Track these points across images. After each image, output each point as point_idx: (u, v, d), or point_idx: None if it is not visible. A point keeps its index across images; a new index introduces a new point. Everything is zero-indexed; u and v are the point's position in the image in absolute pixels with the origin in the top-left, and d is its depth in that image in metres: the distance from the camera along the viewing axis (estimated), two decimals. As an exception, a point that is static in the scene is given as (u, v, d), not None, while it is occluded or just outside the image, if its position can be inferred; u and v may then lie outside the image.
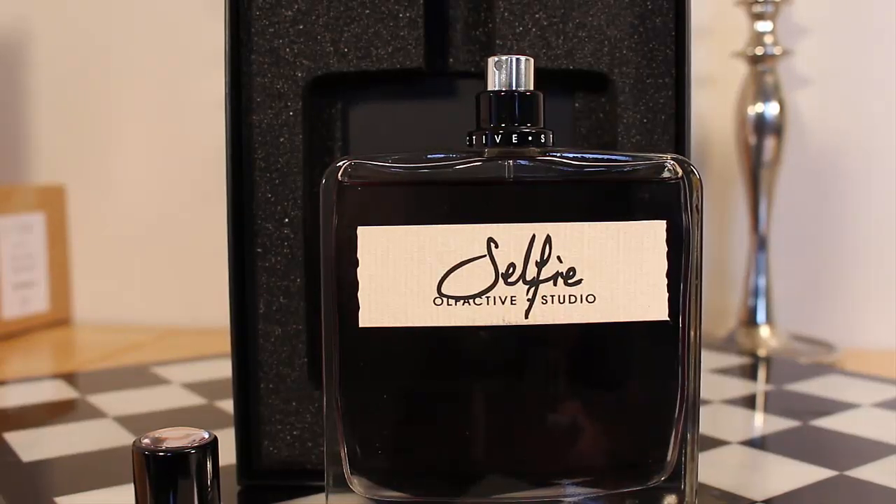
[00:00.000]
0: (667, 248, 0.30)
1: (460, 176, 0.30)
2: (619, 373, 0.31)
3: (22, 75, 0.83)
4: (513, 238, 0.29)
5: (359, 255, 0.29)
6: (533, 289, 0.29)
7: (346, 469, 0.30)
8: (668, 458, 0.31)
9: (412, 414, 0.31)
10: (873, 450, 0.41)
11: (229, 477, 0.36)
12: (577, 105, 0.38)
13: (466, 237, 0.29)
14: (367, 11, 0.36)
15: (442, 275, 0.29)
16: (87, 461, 0.40)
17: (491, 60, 0.31)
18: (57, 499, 0.36)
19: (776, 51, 0.65)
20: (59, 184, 0.82)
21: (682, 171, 0.30)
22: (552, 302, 0.30)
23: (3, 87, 0.84)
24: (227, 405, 0.49)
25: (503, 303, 0.29)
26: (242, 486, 0.37)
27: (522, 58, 0.31)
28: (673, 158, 0.30)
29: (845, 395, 0.51)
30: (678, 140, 0.36)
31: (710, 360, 0.59)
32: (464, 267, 0.29)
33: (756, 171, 0.66)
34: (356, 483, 0.30)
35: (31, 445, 0.42)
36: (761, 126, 0.65)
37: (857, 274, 0.71)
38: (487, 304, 0.29)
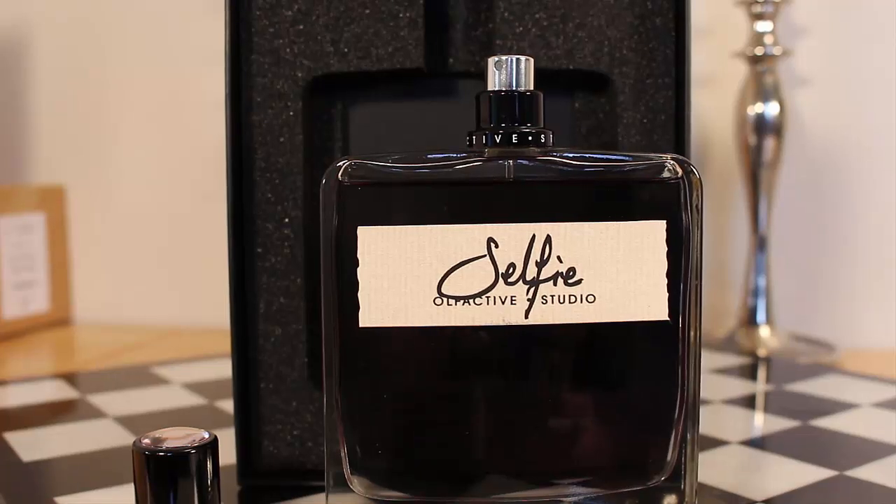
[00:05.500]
0: (667, 248, 0.30)
1: (460, 176, 0.30)
2: (619, 373, 0.31)
3: (22, 75, 0.83)
4: (513, 238, 0.29)
5: (359, 255, 0.29)
6: (533, 289, 0.29)
7: (346, 469, 0.30)
8: (668, 458, 0.31)
9: (412, 414, 0.31)
10: (873, 450, 0.41)
11: (229, 477, 0.36)
12: (577, 105, 0.38)
13: (466, 237, 0.29)
14: (367, 11, 0.36)
15: (442, 275, 0.29)
16: (87, 461, 0.40)
17: (491, 60, 0.31)
18: (57, 499, 0.36)
19: (776, 51, 0.65)
20: (59, 184, 0.82)
21: (682, 170, 0.30)
22: (552, 302, 0.30)
23: (3, 87, 0.84)
24: (227, 405, 0.49)
25: (503, 303, 0.29)
26: (242, 486, 0.37)
27: (522, 58, 0.31)
28: (673, 158, 0.30)
29: (845, 395, 0.51)
30: (678, 140, 0.36)
31: (710, 360, 0.59)
32: (464, 267, 0.29)
33: (756, 171, 0.66)
34: (356, 483, 0.30)
35: (31, 445, 0.42)
36: (761, 126, 0.65)
37: (857, 274, 0.71)
38: (487, 304, 0.29)
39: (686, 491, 0.31)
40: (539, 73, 0.32)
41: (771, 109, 0.65)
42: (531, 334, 0.30)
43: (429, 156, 0.30)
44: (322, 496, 0.31)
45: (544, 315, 0.30)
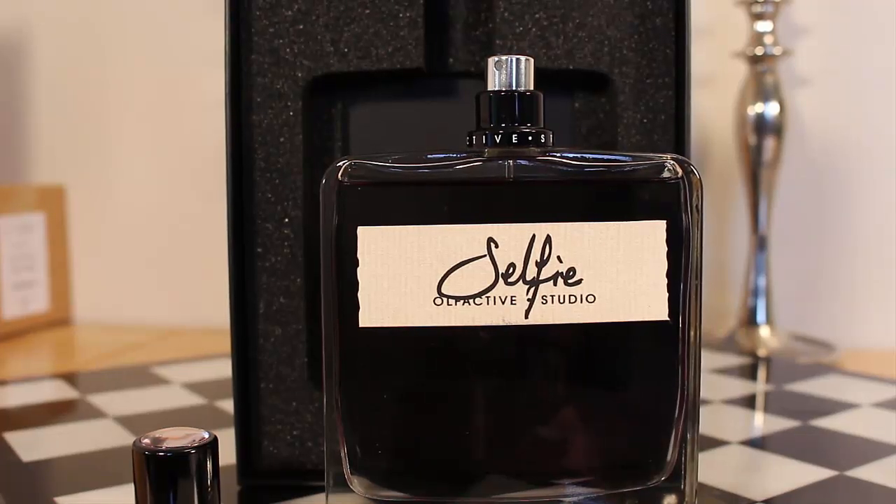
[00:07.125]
0: (667, 248, 0.30)
1: (460, 176, 0.30)
2: (619, 373, 0.31)
3: (22, 75, 0.83)
4: (513, 238, 0.29)
5: (359, 255, 0.29)
6: (533, 289, 0.29)
7: (346, 469, 0.30)
8: (668, 458, 0.31)
9: (412, 414, 0.31)
10: (873, 450, 0.41)
11: (229, 477, 0.36)
12: (577, 105, 0.38)
13: (466, 237, 0.29)
14: (367, 11, 0.36)
15: (442, 275, 0.29)
16: (87, 461, 0.40)
17: (491, 60, 0.31)
18: (57, 499, 0.36)
19: (776, 51, 0.65)
20: (59, 184, 0.82)
21: (682, 171, 0.30)
22: (552, 302, 0.30)
23: (3, 87, 0.84)
24: (227, 405, 0.49)
25: (503, 303, 0.29)
26: (242, 486, 0.37)
27: (522, 58, 0.31)
28: (673, 158, 0.30)
29: (845, 395, 0.51)
30: (678, 140, 0.36)
31: (710, 360, 0.59)
32: (464, 267, 0.29)
33: (756, 171, 0.66)
34: (356, 483, 0.30)
35: (31, 445, 0.42)
36: (761, 126, 0.65)
37: (857, 274, 0.71)
38: (487, 304, 0.29)
39: (686, 491, 0.31)
40: (539, 73, 0.32)
41: (771, 109, 0.65)
42: (531, 334, 0.30)
43: (429, 156, 0.30)
44: (322, 496, 0.31)
45: (544, 315, 0.30)
